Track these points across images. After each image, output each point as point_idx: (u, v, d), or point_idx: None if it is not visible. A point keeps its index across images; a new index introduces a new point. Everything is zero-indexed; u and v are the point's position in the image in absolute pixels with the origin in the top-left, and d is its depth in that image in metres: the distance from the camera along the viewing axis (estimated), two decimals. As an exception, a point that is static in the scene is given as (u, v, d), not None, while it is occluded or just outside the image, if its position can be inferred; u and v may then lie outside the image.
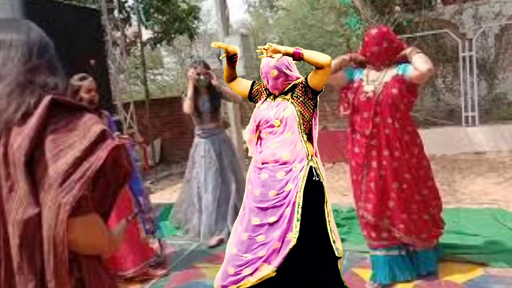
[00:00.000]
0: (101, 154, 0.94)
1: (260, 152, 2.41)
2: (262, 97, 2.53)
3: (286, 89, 2.44)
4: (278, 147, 2.35)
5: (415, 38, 7.15)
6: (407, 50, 2.79)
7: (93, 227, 0.98)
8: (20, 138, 0.91)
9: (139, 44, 8.94)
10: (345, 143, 3.08)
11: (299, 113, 2.36)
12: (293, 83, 2.45)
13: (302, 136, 2.36)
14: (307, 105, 2.39)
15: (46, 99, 0.94)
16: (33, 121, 0.92)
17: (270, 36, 16.21)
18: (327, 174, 6.72)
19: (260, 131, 2.47)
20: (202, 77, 3.95)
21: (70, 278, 0.95)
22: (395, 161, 2.79)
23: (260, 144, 2.46)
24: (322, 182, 2.36)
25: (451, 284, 2.86)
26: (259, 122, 2.43)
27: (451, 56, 7.63)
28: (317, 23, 11.03)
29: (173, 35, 9.37)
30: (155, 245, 3.52)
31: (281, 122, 2.36)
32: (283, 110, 2.37)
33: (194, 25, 9.63)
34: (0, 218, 0.93)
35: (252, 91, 2.58)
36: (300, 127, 2.36)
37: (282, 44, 9.41)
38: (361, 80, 2.87)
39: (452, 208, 4.20)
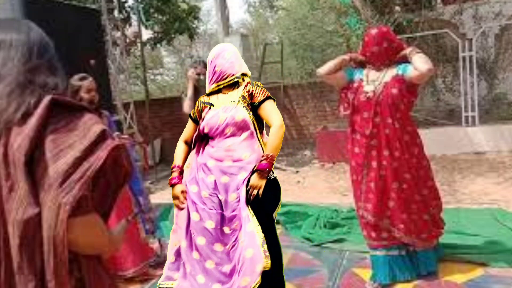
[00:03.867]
0: (101, 154, 0.94)
1: (212, 147, 2.31)
2: (205, 108, 2.40)
3: (229, 83, 2.36)
4: (236, 147, 2.25)
5: (415, 38, 7.14)
6: (407, 50, 2.79)
7: (93, 227, 0.98)
8: (20, 138, 0.91)
9: (139, 44, 8.94)
10: (345, 143, 3.07)
11: (250, 115, 2.28)
12: (236, 80, 2.37)
13: (258, 136, 2.31)
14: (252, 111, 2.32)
15: (46, 99, 0.94)
16: (33, 121, 0.92)
17: (270, 36, 16.23)
18: (327, 174, 6.77)
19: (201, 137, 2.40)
20: (202, 77, 3.95)
21: (70, 278, 0.95)
22: (395, 161, 2.79)
23: (205, 146, 2.36)
24: (276, 179, 2.30)
25: (451, 284, 2.86)
26: (212, 129, 2.30)
27: (451, 56, 7.62)
28: (317, 23, 11.04)
29: (173, 35, 9.37)
30: (155, 245, 3.52)
31: (234, 127, 2.26)
32: (235, 115, 2.26)
33: (194, 25, 9.64)
34: (0, 218, 0.93)
35: (197, 117, 2.46)
36: (255, 128, 2.30)
37: (282, 45, 9.45)
38: (361, 80, 2.87)
39: (452, 208, 4.20)
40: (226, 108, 2.31)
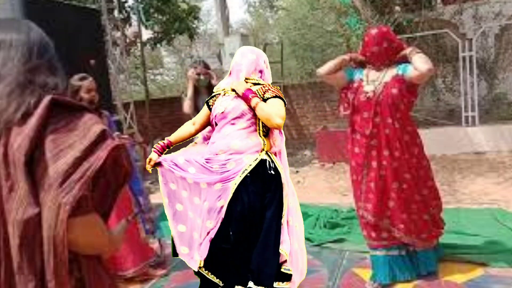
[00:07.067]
0: (101, 154, 0.94)
1: (213, 143, 2.37)
2: (220, 94, 2.50)
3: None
4: (231, 136, 2.31)
5: (415, 38, 7.14)
6: (407, 50, 2.79)
7: (93, 227, 0.98)
8: (20, 138, 0.91)
9: (139, 44, 8.94)
10: (345, 143, 3.07)
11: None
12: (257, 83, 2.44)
13: (260, 130, 2.35)
14: None
15: (46, 99, 0.94)
16: (33, 121, 0.92)
17: (270, 36, 16.22)
18: (327, 174, 6.76)
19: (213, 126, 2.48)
20: (202, 77, 3.96)
21: (70, 278, 0.95)
22: (395, 161, 2.79)
23: (210, 137, 2.47)
24: (279, 176, 2.30)
25: (451, 284, 2.86)
26: (215, 116, 2.40)
27: (451, 56, 7.61)
28: (317, 23, 11.03)
29: (173, 35, 9.37)
30: (155, 245, 3.52)
31: (238, 113, 2.33)
32: (243, 103, 2.33)
33: (194, 25, 9.63)
34: (0, 218, 0.93)
35: (211, 107, 2.51)
36: (259, 121, 2.33)
37: (282, 45, 9.42)
38: (361, 80, 2.87)
39: (452, 208, 4.20)
40: (235, 97, 2.38)
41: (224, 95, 2.45)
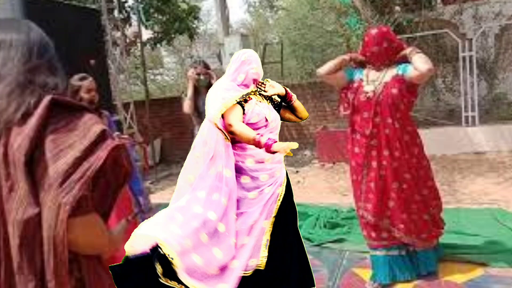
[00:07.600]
0: (101, 154, 0.94)
1: (255, 151, 2.31)
2: (252, 98, 2.40)
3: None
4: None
5: (415, 38, 7.14)
6: (407, 50, 2.79)
7: (93, 227, 0.98)
8: (20, 138, 0.91)
9: (139, 44, 8.94)
10: (345, 143, 3.08)
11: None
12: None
13: None
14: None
15: (46, 99, 0.94)
16: (33, 121, 0.92)
17: (270, 36, 16.22)
18: (327, 174, 6.76)
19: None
20: (202, 77, 3.96)
21: (70, 278, 0.95)
22: (395, 161, 2.79)
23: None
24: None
25: (451, 284, 2.86)
26: (258, 122, 2.33)
27: (451, 56, 7.61)
28: (317, 23, 11.03)
29: (173, 35, 9.37)
30: (155, 245, 3.50)
31: (276, 123, 2.44)
32: (275, 114, 2.45)
33: (194, 25, 9.64)
34: (0, 218, 0.93)
35: (244, 107, 2.37)
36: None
37: (282, 45, 9.43)
38: (361, 80, 2.87)
39: (452, 208, 4.20)
40: (267, 106, 2.44)
41: (258, 102, 2.42)
